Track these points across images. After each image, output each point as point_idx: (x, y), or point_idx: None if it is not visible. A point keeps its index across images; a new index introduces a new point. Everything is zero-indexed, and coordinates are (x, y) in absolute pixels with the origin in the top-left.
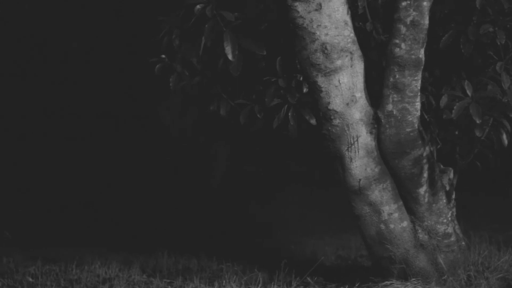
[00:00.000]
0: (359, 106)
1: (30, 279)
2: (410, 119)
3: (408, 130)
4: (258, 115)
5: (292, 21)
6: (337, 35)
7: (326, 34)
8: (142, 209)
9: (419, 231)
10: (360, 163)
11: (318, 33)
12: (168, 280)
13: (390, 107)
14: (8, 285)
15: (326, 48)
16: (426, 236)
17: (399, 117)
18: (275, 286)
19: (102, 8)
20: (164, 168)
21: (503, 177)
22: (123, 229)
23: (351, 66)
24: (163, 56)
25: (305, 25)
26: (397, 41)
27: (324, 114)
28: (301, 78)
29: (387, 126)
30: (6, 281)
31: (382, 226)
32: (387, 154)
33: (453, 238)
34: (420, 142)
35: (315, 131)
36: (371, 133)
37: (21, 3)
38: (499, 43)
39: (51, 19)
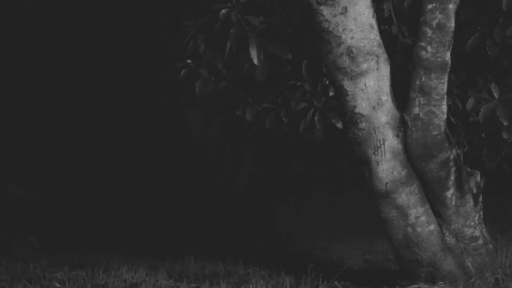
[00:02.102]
0: (385, 109)
1: (57, 285)
2: (437, 122)
3: (434, 133)
4: (284, 119)
5: (318, 25)
6: (363, 39)
7: (352, 38)
8: (166, 214)
9: (447, 234)
10: (387, 167)
11: (343, 37)
12: (195, 285)
13: (416, 110)
14: None
15: (352, 52)
16: (454, 239)
17: (425, 120)
18: None
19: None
20: (190, 173)
21: None
22: (149, 234)
23: (377, 70)
24: (189, 61)
25: (330, 28)
26: (423, 44)
27: (350, 117)
28: (327, 82)
29: (413, 129)
30: (33, 286)
31: (409, 230)
32: (413, 157)
33: (480, 241)
34: (447, 145)
35: (341, 135)
36: (397, 136)
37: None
38: None
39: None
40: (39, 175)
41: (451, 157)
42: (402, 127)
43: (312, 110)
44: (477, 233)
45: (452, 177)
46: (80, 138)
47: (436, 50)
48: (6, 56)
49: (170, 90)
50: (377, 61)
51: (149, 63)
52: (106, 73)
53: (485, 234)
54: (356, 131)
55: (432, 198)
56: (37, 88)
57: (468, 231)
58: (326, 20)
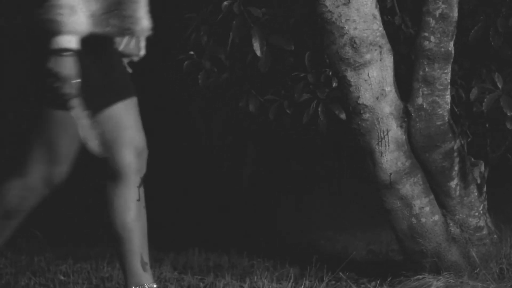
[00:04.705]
0: (389, 100)
1: (62, 277)
2: (440, 112)
3: (438, 123)
4: (288, 111)
5: (320, 16)
6: (366, 29)
7: (355, 28)
8: (171, 206)
9: (451, 224)
10: (391, 157)
11: (346, 28)
12: (200, 277)
13: (420, 100)
14: (40, 283)
15: (355, 42)
16: (458, 230)
17: (429, 111)
18: (307, 282)
19: None
20: (194, 166)
21: None
22: (152, 226)
23: (380, 60)
24: (191, 52)
25: (333, 19)
26: (426, 34)
27: (353, 108)
28: (330, 73)
29: (417, 119)
30: (38, 279)
31: (414, 220)
32: (417, 148)
33: (485, 231)
34: (450, 135)
35: (344, 126)
36: (401, 127)
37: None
38: None
39: None
40: None
41: (455, 147)
42: (406, 117)
43: (316, 101)
44: (481, 223)
45: (456, 168)
46: None
47: (439, 40)
48: (7, 53)
49: (171, 89)
50: (380, 52)
51: (152, 61)
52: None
53: (490, 224)
54: (359, 122)
55: (436, 188)
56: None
57: (473, 222)
58: (329, 11)
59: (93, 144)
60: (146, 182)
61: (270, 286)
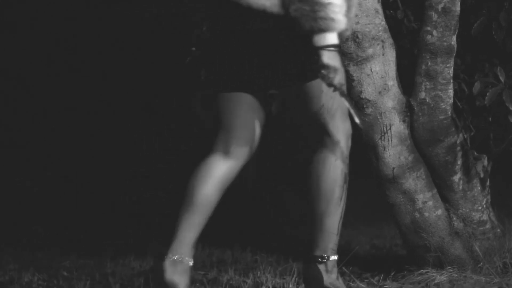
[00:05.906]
0: (391, 94)
1: (65, 273)
2: (443, 106)
3: (441, 117)
4: None
5: None
6: (368, 24)
7: (357, 23)
8: (174, 202)
9: (454, 219)
10: (394, 152)
11: None
12: (203, 272)
13: (422, 94)
14: (43, 279)
15: (357, 37)
16: (461, 224)
17: (432, 105)
18: None
19: None
20: (197, 160)
21: None
22: (155, 223)
23: (382, 55)
24: (194, 48)
25: None
26: (428, 28)
27: (356, 103)
28: None
29: (420, 114)
30: (41, 275)
31: (417, 215)
32: (420, 142)
33: (488, 226)
34: (453, 129)
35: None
36: (404, 121)
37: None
38: None
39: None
40: (44, 166)
41: (458, 141)
42: (409, 112)
43: None
44: (484, 217)
45: (459, 162)
46: (86, 130)
47: (442, 35)
48: (10, 51)
49: (173, 85)
50: (382, 46)
51: (154, 60)
52: (111, 69)
53: (493, 219)
54: (362, 117)
55: (439, 182)
56: (42, 81)
57: (476, 216)
58: None
59: (359, 121)
60: (151, 177)
61: (274, 281)
